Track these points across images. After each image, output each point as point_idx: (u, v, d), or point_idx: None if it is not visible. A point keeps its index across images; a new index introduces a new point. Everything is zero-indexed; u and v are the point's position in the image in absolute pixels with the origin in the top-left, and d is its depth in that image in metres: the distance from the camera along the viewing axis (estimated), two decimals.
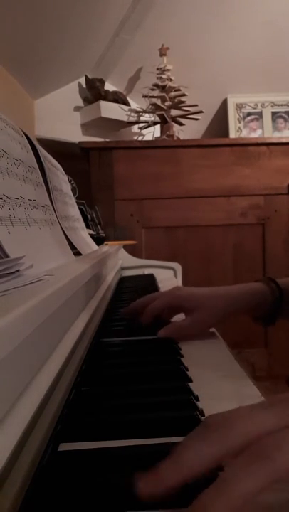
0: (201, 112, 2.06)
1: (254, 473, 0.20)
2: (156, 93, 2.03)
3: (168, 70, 2.00)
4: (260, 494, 0.19)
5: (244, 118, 2.22)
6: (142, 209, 1.88)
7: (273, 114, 2.23)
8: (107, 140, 2.08)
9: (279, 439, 0.21)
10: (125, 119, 2.10)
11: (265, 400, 0.28)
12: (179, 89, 2.01)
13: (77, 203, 0.96)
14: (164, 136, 2.03)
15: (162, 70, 2.00)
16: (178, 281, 1.31)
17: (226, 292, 0.62)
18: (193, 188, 1.89)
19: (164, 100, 2.02)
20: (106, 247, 1.02)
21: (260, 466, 0.20)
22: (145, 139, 2.23)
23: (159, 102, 2.03)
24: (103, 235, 1.25)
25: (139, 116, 2.13)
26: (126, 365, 0.46)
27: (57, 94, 2.01)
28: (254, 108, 2.22)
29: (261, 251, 1.93)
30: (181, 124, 2.10)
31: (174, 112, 2.08)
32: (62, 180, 0.82)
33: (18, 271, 0.37)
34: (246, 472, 0.20)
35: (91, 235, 1.00)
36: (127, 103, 2.11)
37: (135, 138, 2.25)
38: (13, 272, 0.36)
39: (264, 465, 0.20)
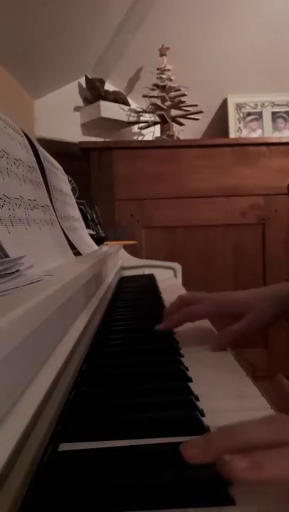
0: (201, 112, 2.06)
1: None
2: (156, 93, 2.03)
3: (168, 70, 2.00)
4: None
5: (244, 118, 2.22)
6: (142, 209, 1.88)
7: (273, 114, 2.22)
8: (107, 140, 2.08)
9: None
10: (125, 119, 2.10)
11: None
12: (179, 89, 2.01)
13: (77, 203, 0.96)
14: (164, 136, 2.03)
15: (162, 70, 2.00)
16: (178, 281, 1.31)
17: (273, 293, 0.60)
18: (193, 188, 1.89)
19: (164, 100, 2.02)
20: (106, 247, 1.02)
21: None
22: (145, 139, 2.23)
23: (159, 102, 2.03)
24: (103, 235, 1.25)
25: (139, 116, 2.13)
26: (126, 365, 0.46)
27: (57, 94, 2.01)
28: (254, 108, 2.22)
29: (261, 251, 1.93)
30: (181, 124, 2.10)
31: (174, 112, 2.08)
32: (62, 181, 0.82)
33: (18, 271, 0.38)
34: None
35: (91, 235, 1.00)
36: (127, 103, 2.11)
37: (135, 138, 2.25)
38: (13, 272, 0.37)
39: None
